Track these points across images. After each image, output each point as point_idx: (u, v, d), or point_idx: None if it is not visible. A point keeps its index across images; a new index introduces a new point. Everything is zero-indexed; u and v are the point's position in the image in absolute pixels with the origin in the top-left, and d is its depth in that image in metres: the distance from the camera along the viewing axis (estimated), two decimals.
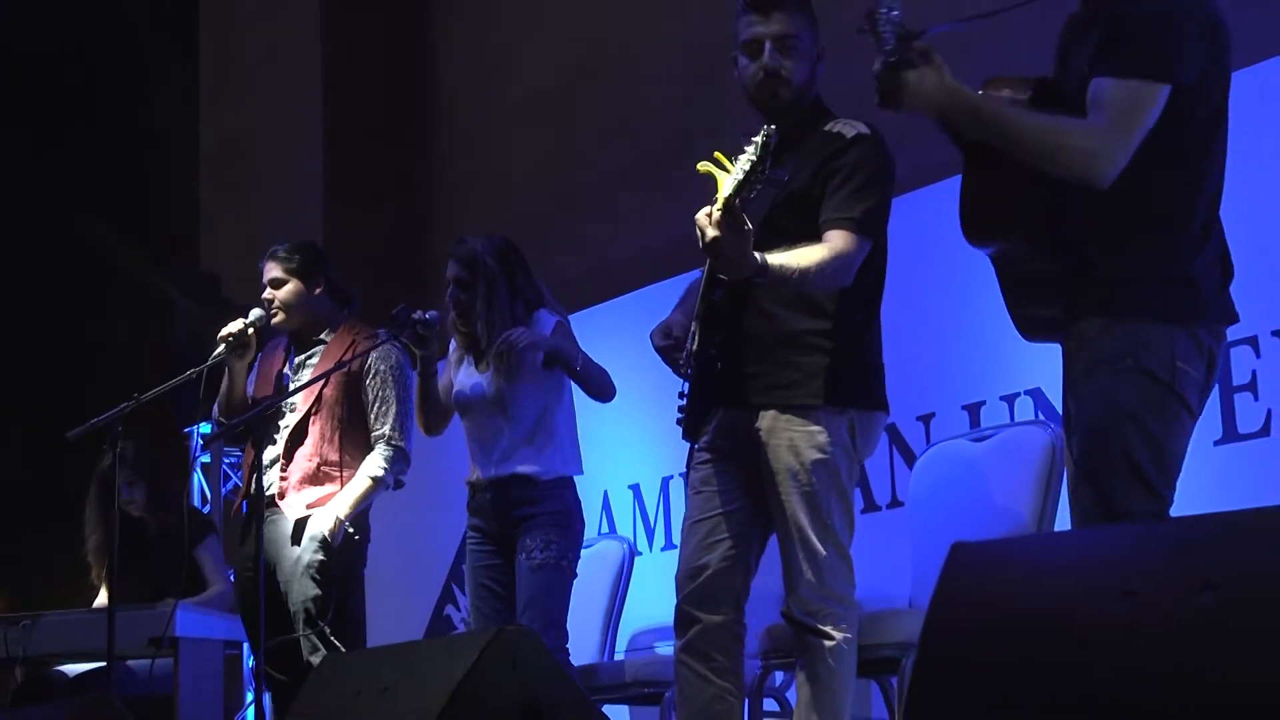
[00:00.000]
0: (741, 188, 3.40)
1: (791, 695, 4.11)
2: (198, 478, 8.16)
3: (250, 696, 7.08)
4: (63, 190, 10.27)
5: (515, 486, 4.85)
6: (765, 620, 4.27)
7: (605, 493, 6.59)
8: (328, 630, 4.93)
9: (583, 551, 4.96)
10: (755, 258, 3.51)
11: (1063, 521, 3.72)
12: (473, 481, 4.97)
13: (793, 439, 3.76)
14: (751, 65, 3.85)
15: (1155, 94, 2.99)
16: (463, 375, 5.00)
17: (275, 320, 5.22)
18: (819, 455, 3.74)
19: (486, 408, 4.91)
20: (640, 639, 5.93)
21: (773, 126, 3.45)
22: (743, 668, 3.87)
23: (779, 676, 4.70)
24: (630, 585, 5.55)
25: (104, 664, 5.05)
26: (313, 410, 5.13)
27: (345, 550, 5.03)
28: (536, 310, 4.97)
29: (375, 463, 5.09)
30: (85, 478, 5.99)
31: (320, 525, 5.00)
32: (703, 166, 3.48)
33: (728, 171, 3.42)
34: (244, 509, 5.27)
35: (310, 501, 5.08)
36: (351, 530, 5.03)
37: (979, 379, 5.34)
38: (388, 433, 5.11)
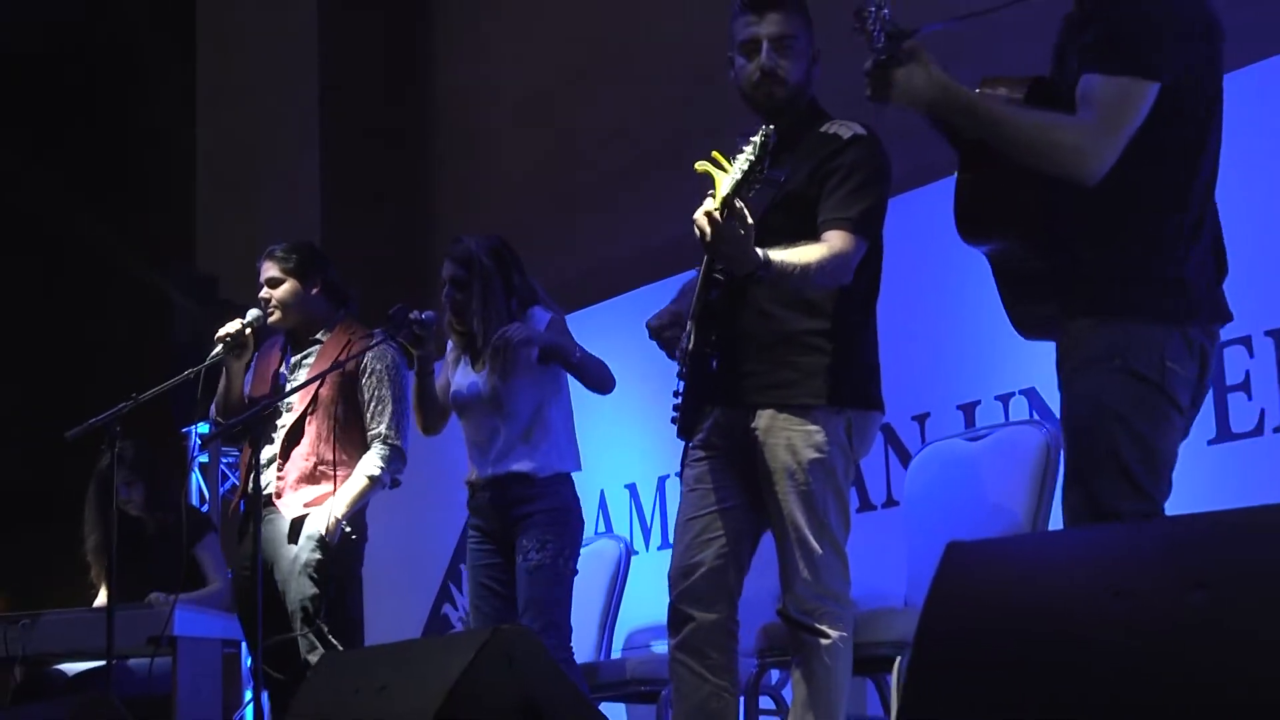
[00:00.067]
0: (740, 187, 3.40)
1: (787, 693, 4.11)
2: (195, 477, 8.16)
3: (248, 695, 7.09)
4: (63, 190, 10.28)
5: (512, 485, 4.86)
6: (761, 619, 4.27)
7: (602, 492, 6.60)
8: (325, 629, 4.94)
9: (580, 550, 4.96)
10: (758, 253, 3.52)
11: (1057, 521, 3.74)
12: (472, 481, 4.98)
13: (790, 438, 3.76)
14: (748, 65, 3.86)
15: (1144, 91, 2.99)
16: (459, 375, 5.02)
17: (271, 319, 5.23)
18: (816, 454, 3.75)
19: (482, 407, 4.92)
20: (636, 637, 5.94)
21: (771, 126, 3.46)
22: (737, 664, 3.87)
23: (775, 674, 4.71)
24: (627, 584, 5.56)
25: (103, 663, 5.06)
26: (309, 410, 5.15)
27: (342, 549, 5.05)
28: (531, 308, 4.98)
29: (372, 462, 5.10)
30: (85, 477, 5.98)
31: (317, 524, 5.01)
32: (701, 166, 3.47)
33: (726, 171, 3.43)
34: (241, 508, 5.28)
35: (307, 500, 5.09)
36: (349, 529, 5.05)
37: (974, 379, 5.35)
38: (384, 432, 5.12)
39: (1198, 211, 3.10)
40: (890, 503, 5.56)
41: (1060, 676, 2.04)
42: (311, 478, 5.11)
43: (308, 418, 5.14)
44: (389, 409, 5.14)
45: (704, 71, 6.48)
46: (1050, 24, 3.28)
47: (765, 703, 4.77)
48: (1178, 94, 3.02)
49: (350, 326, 5.29)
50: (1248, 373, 4.61)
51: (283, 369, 5.30)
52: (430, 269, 5.62)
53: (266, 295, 5.24)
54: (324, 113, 9.02)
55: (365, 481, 5.08)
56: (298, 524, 5.06)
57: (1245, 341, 4.59)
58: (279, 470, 5.13)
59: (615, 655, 5.63)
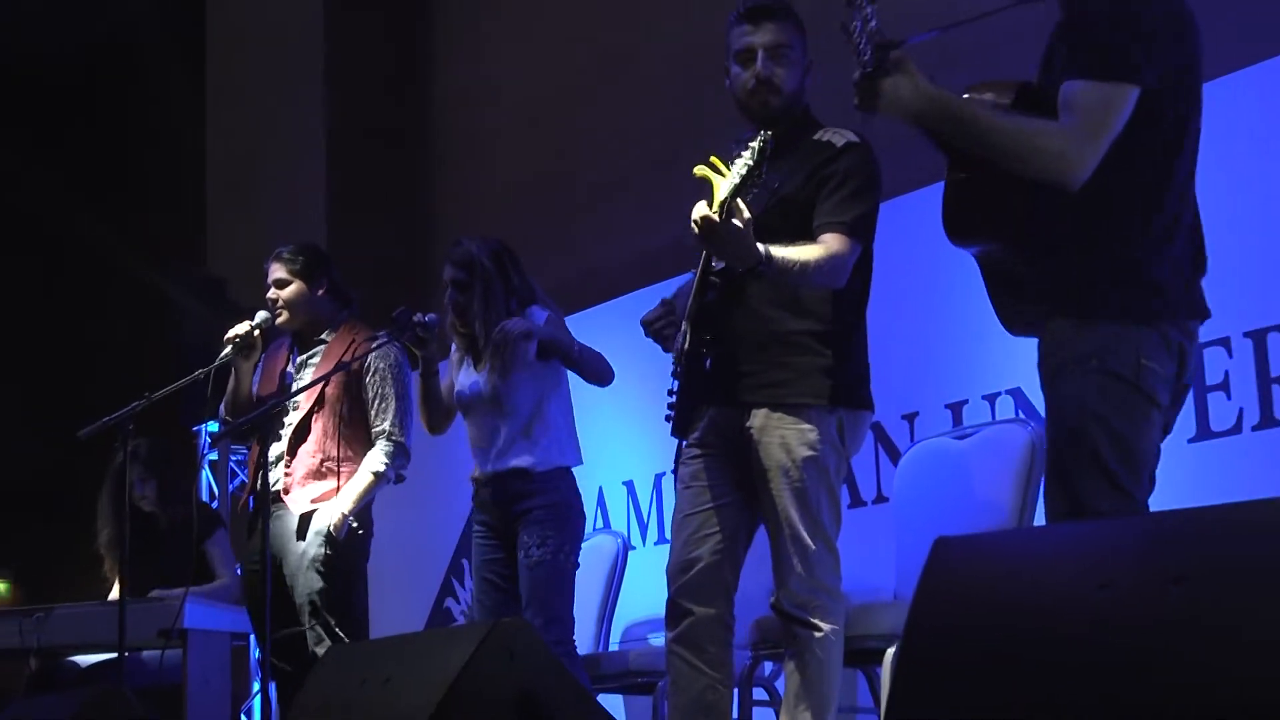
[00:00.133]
0: (738, 190, 3.45)
1: (780, 685, 4.15)
2: (205, 474, 8.17)
3: (256, 686, 7.16)
4: (63, 190, 10.29)
5: (513, 480, 4.90)
6: (755, 613, 4.31)
7: (600, 488, 6.62)
8: (332, 622, 4.99)
9: (581, 544, 4.99)
10: (759, 248, 3.56)
11: (1042, 516, 3.78)
12: (475, 478, 5.03)
13: (784, 436, 3.81)
14: (744, 74, 3.90)
15: (1125, 96, 2.99)
16: (462, 376, 5.06)
17: (279, 320, 5.27)
18: (810, 453, 3.79)
19: (484, 406, 4.96)
20: (633, 631, 5.97)
21: (768, 132, 3.52)
22: (732, 657, 3.90)
23: (768, 667, 4.75)
24: (624, 579, 5.59)
25: (115, 655, 5.12)
26: (315, 408, 5.18)
27: (349, 544, 5.09)
28: (529, 306, 5.01)
29: (376, 458, 5.14)
30: (98, 474, 6.01)
31: (324, 520, 5.06)
32: (699, 171, 3.52)
33: (723, 176, 3.48)
34: (250, 504, 5.31)
35: (314, 496, 5.13)
36: (355, 524, 5.09)
37: (961, 379, 5.37)
38: (388, 428, 5.16)
39: (1173, 212, 3.10)
40: (880, 499, 5.57)
41: (1045, 668, 2.05)
42: (318, 474, 5.15)
43: (314, 416, 5.18)
44: (393, 406, 5.17)
45: (703, 74, 6.52)
46: (1037, 32, 3.28)
47: (759, 694, 4.80)
48: (1157, 97, 3.02)
49: (354, 327, 5.33)
50: (1227, 373, 4.63)
51: (289, 368, 5.34)
52: (432, 271, 5.65)
53: (274, 295, 5.28)
54: (328, 116, 9.00)
55: (370, 477, 5.12)
56: (306, 520, 5.10)
57: (1224, 342, 4.61)
58: (286, 467, 5.17)
59: (613, 648, 5.65)
